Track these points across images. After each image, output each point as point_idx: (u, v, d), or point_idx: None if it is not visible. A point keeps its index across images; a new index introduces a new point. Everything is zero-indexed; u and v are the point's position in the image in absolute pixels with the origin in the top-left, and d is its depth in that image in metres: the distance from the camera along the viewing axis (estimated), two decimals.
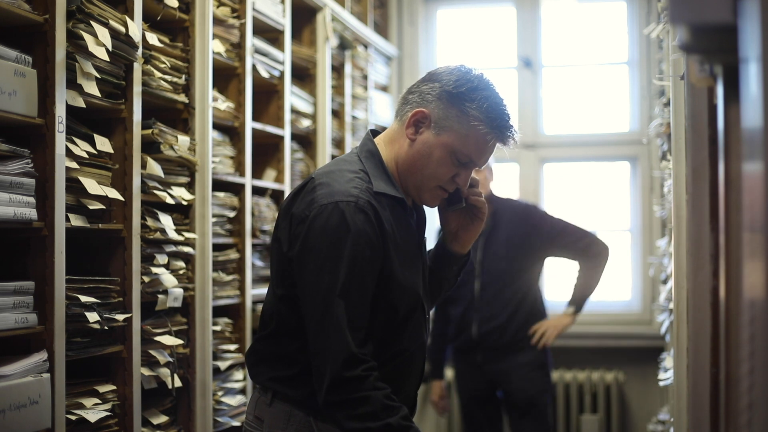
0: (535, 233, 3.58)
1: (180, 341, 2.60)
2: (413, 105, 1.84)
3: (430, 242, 2.01)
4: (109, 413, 2.26)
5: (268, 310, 1.86)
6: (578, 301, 3.63)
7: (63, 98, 2.09)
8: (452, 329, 3.72)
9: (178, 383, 2.57)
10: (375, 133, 1.93)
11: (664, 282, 3.46)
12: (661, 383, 2.88)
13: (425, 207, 1.96)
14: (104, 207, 2.29)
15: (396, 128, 1.88)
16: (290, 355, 1.79)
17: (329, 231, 1.69)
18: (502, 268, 3.59)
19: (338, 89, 3.99)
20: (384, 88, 4.78)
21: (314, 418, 1.76)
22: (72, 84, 2.14)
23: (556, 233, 3.58)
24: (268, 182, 3.33)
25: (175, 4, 2.62)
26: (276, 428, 1.79)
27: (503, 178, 4.86)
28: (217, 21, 2.88)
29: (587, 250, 3.56)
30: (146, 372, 2.44)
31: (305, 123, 3.63)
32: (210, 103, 2.75)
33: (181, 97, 2.68)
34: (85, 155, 2.20)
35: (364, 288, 1.71)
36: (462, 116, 1.79)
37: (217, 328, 2.88)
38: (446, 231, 1.99)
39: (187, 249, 2.66)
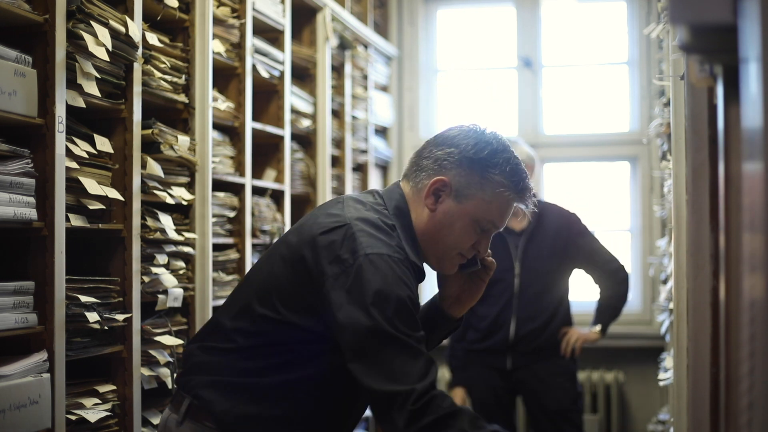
0: (576, 242, 3.57)
1: (180, 341, 2.60)
2: (429, 172, 1.75)
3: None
4: (109, 413, 2.26)
5: (229, 324, 1.73)
6: (606, 321, 3.61)
7: (63, 98, 2.09)
8: (476, 331, 3.59)
9: None
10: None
11: (664, 282, 3.46)
12: (661, 383, 2.88)
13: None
14: (104, 207, 2.29)
15: (411, 193, 1.79)
16: (257, 369, 1.69)
17: (385, 282, 1.59)
18: (544, 268, 3.53)
19: (338, 89, 4.00)
20: (384, 88, 4.78)
21: None
22: (72, 84, 2.14)
23: (593, 249, 3.59)
24: (268, 182, 3.33)
25: (175, 4, 2.62)
26: None
27: None
28: (217, 21, 2.88)
29: (615, 275, 3.57)
30: (146, 372, 2.44)
31: (305, 123, 3.63)
32: (210, 103, 2.75)
33: (181, 97, 2.68)
34: (85, 155, 2.21)
35: (414, 336, 1.61)
36: (485, 183, 1.72)
37: None
38: (447, 295, 1.88)
39: (187, 249, 2.66)
